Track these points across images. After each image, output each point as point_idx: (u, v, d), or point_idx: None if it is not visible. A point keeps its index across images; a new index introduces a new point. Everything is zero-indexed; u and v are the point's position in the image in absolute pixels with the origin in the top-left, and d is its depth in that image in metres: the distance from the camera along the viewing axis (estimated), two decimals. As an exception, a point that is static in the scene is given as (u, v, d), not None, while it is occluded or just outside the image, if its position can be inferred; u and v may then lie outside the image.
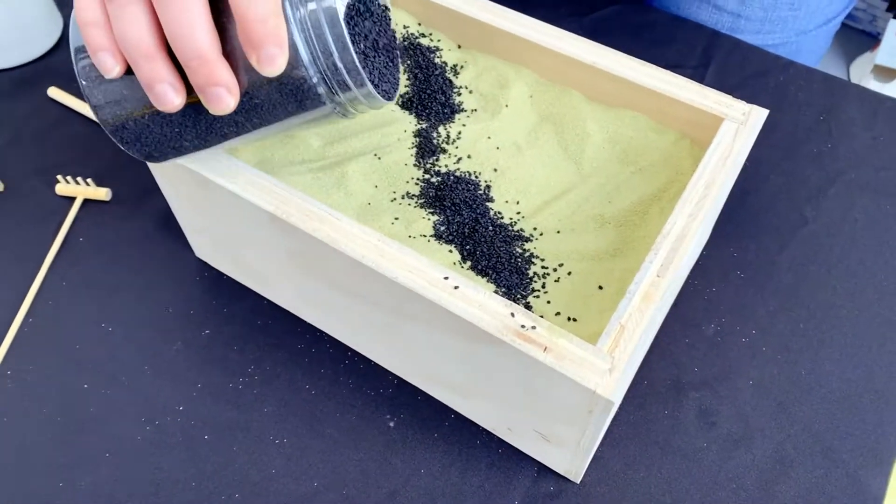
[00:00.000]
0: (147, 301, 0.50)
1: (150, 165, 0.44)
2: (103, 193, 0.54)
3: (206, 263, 0.51)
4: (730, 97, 0.43)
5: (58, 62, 0.63)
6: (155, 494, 0.42)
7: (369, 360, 0.47)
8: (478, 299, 0.35)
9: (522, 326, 0.34)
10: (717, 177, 0.39)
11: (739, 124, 0.41)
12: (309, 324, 0.48)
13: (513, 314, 0.35)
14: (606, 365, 0.33)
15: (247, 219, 0.41)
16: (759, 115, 0.42)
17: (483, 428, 0.44)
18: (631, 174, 0.44)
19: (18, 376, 0.46)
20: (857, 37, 1.64)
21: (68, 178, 0.54)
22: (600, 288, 0.39)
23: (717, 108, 0.42)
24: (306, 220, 0.38)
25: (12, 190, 0.55)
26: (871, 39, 1.62)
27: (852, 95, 0.60)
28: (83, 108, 0.59)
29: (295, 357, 0.47)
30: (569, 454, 0.40)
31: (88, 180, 0.54)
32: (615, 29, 0.65)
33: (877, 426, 0.45)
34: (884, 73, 1.67)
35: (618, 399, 0.33)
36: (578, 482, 0.43)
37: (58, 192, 0.54)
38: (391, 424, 0.45)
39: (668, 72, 0.44)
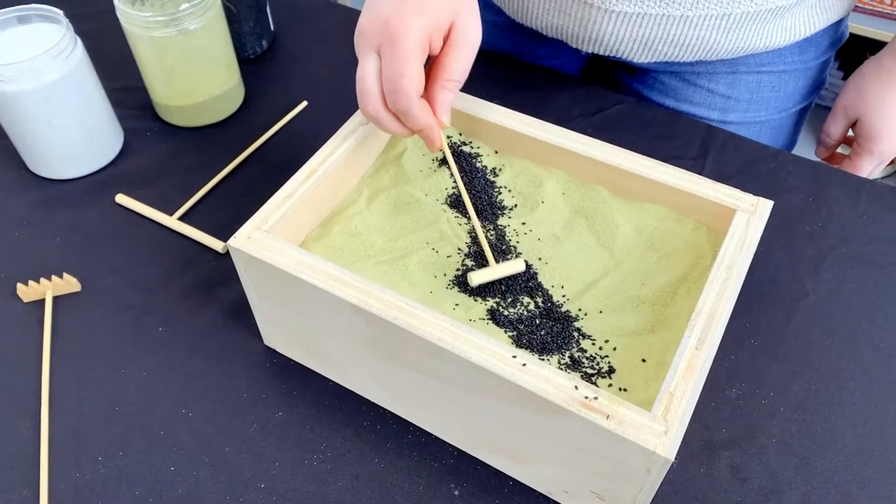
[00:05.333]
0: (222, 387, 0.54)
1: (236, 264, 0.49)
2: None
3: (273, 350, 0.56)
4: (739, 191, 0.50)
5: (120, 171, 0.69)
6: (244, 567, 0.46)
7: (430, 434, 0.52)
8: (544, 374, 0.41)
9: (586, 397, 0.40)
10: (736, 261, 0.46)
11: (750, 214, 0.48)
12: (372, 402, 0.53)
13: (576, 387, 0.40)
14: (662, 428, 0.39)
15: (328, 310, 0.46)
16: (765, 206, 0.49)
17: (539, 492, 0.49)
18: (658, 259, 0.50)
19: (110, 461, 0.50)
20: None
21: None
22: (643, 361, 0.45)
23: (729, 201, 0.49)
24: (386, 309, 0.44)
25: (89, 289, 0.60)
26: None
27: (836, 179, 0.68)
28: (149, 212, 0.65)
29: (362, 434, 0.52)
30: (623, 511, 0.45)
31: (161, 278, 0.60)
32: (621, 126, 0.73)
33: (889, 475, 0.50)
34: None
35: (673, 457, 0.38)
36: (630, 538, 0.47)
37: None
38: (456, 493, 0.49)
39: (683, 170, 0.52)
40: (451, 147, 0.57)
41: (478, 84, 0.67)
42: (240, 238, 0.48)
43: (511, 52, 0.84)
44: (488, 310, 0.48)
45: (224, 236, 0.63)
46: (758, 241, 0.47)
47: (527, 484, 0.49)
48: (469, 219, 0.53)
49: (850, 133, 0.76)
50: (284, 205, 0.49)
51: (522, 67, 0.79)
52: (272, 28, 0.82)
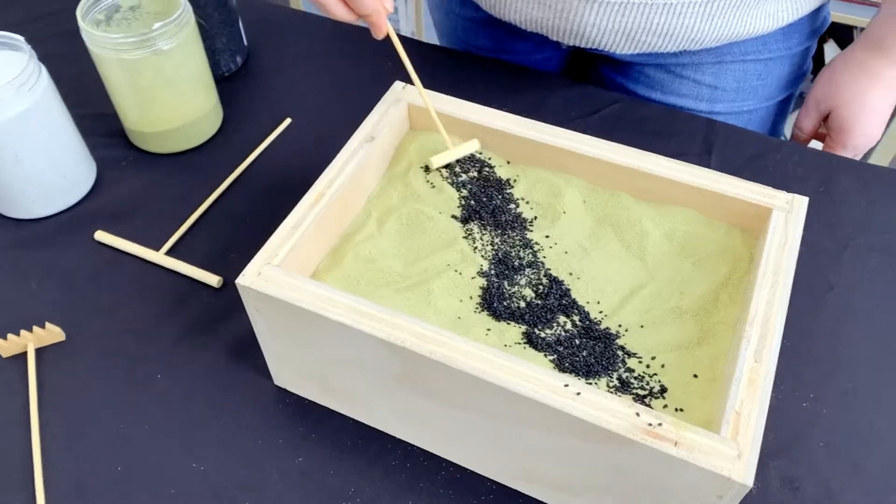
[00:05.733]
0: (234, 434, 0.50)
1: (246, 303, 0.45)
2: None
3: (284, 390, 0.52)
4: (771, 188, 0.48)
5: (96, 206, 0.64)
6: None
7: (465, 469, 0.48)
8: (601, 402, 0.38)
9: (650, 424, 0.37)
10: (781, 263, 0.44)
11: (787, 213, 0.46)
12: (399, 439, 0.50)
13: (638, 413, 0.37)
14: (734, 451, 0.36)
15: (353, 346, 0.43)
16: (801, 203, 0.47)
17: (589, 522, 0.46)
18: (693, 266, 0.48)
19: (118, 529, 0.46)
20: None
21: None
22: (695, 376, 0.43)
23: (762, 200, 0.47)
24: (421, 343, 0.40)
25: (74, 338, 0.55)
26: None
27: (842, 167, 0.67)
28: (133, 248, 0.60)
29: (391, 474, 0.48)
30: (684, 538, 0.42)
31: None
32: (619, 126, 0.71)
33: (942, 472, 0.48)
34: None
35: (751, 483, 0.35)
36: (690, 564, 0.44)
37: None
38: (499, 530, 0.46)
39: (709, 170, 0.49)
40: (460, 161, 0.54)
41: (467, 89, 0.64)
42: (249, 275, 0.43)
43: (490, 48, 0.81)
44: (523, 333, 0.45)
45: (218, 269, 0.59)
46: (799, 240, 0.45)
47: (575, 515, 0.46)
48: (488, 234, 0.50)
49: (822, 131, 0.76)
50: (293, 235, 0.46)
51: (511, 70, 0.76)
52: (245, 43, 0.78)
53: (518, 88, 0.75)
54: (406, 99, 0.54)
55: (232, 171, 0.67)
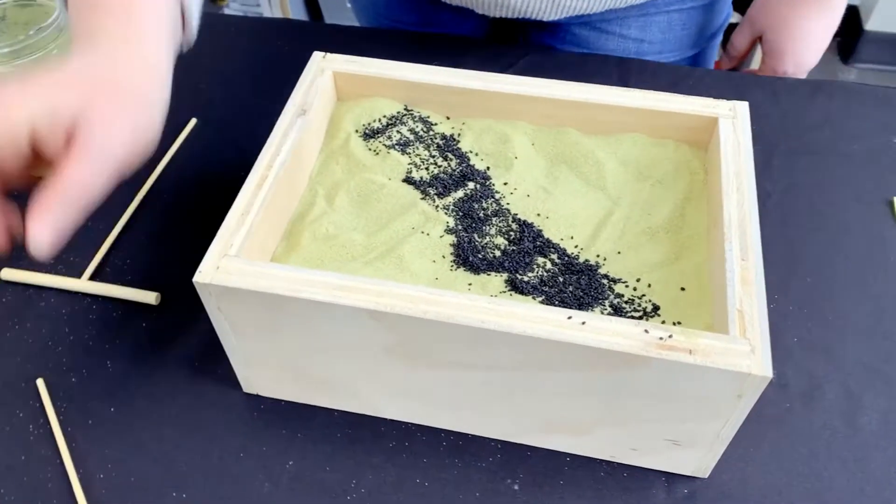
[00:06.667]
0: (213, 454, 0.46)
1: (206, 303, 0.41)
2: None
3: (257, 396, 0.48)
4: (712, 99, 0.49)
5: (-5, 242, 0.57)
6: None
7: (466, 435, 0.46)
8: (608, 327, 0.37)
9: (661, 338, 0.36)
10: (741, 165, 0.44)
11: (732, 118, 0.47)
12: (391, 420, 0.47)
13: (646, 330, 0.36)
14: (747, 347, 0.36)
15: (336, 326, 0.40)
16: (742, 107, 0.48)
17: (602, 460, 0.45)
18: (652, 186, 0.48)
19: (104, 582, 0.41)
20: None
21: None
22: (682, 289, 0.42)
23: (706, 111, 0.48)
24: (412, 306, 0.38)
25: (3, 389, 0.49)
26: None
27: (751, 83, 0.70)
28: (50, 280, 0.54)
29: (392, 456, 0.46)
30: (701, 451, 0.42)
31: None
32: (536, 76, 0.71)
33: (906, 342, 0.51)
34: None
35: (770, 373, 0.35)
36: (706, 477, 0.45)
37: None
38: (515, 487, 0.44)
39: (649, 91, 0.49)
40: (399, 121, 0.51)
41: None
42: (206, 271, 0.39)
43: (416, 21, 0.79)
44: (506, 281, 0.43)
45: (152, 285, 0.54)
46: (751, 141, 0.46)
47: (587, 455, 0.45)
48: (443, 196, 0.48)
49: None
50: (244, 222, 0.42)
51: (420, 39, 0.74)
52: (128, 48, 0.71)
53: (431, 56, 0.73)
54: (330, 68, 0.51)
55: (143, 183, 0.61)
